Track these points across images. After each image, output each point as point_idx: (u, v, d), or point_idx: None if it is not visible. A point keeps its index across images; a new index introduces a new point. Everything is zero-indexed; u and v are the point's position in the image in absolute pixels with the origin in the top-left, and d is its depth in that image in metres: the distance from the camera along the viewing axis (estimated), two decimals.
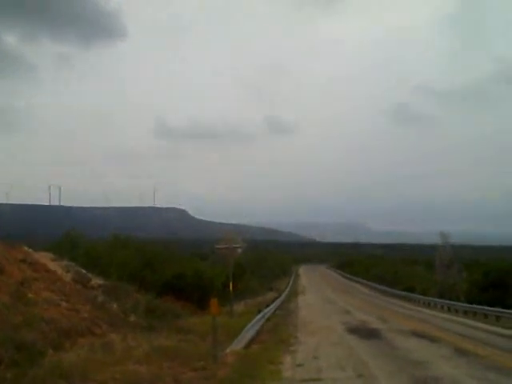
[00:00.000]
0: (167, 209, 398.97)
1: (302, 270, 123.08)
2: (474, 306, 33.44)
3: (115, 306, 21.98)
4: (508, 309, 29.56)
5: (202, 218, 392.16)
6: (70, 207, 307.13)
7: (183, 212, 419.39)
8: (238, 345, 16.50)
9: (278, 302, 34.52)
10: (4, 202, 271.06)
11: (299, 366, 13.77)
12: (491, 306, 30.95)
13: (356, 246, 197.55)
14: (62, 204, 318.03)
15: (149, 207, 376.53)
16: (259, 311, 24.01)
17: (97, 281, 24.85)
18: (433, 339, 19.18)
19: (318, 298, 48.26)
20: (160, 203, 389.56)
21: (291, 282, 68.48)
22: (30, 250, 23.87)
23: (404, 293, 52.33)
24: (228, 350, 15.49)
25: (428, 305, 41.78)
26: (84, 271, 25.16)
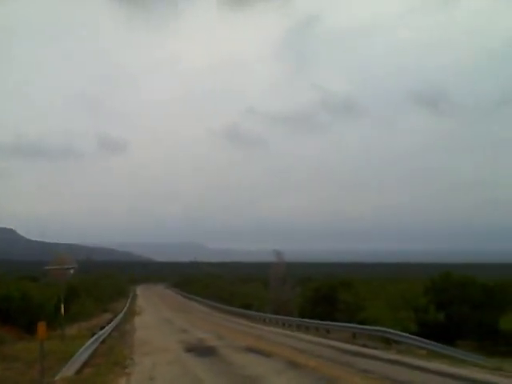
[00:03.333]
0: None
1: (140, 290, 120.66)
2: (307, 320, 34.92)
3: None
4: (336, 322, 31.38)
5: (33, 238, 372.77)
6: None
7: (12, 232, 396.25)
8: (69, 370, 15.67)
9: (113, 324, 33.42)
10: None
11: None
12: (322, 320, 32.53)
13: (194, 265, 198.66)
14: None
15: None
16: (93, 334, 23.12)
17: None
18: (267, 354, 19.62)
19: (156, 318, 47.49)
20: None
21: (128, 303, 66.76)
22: None
23: (241, 310, 53.25)
24: (58, 377, 14.66)
25: (264, 321, 42.85)
26: None
